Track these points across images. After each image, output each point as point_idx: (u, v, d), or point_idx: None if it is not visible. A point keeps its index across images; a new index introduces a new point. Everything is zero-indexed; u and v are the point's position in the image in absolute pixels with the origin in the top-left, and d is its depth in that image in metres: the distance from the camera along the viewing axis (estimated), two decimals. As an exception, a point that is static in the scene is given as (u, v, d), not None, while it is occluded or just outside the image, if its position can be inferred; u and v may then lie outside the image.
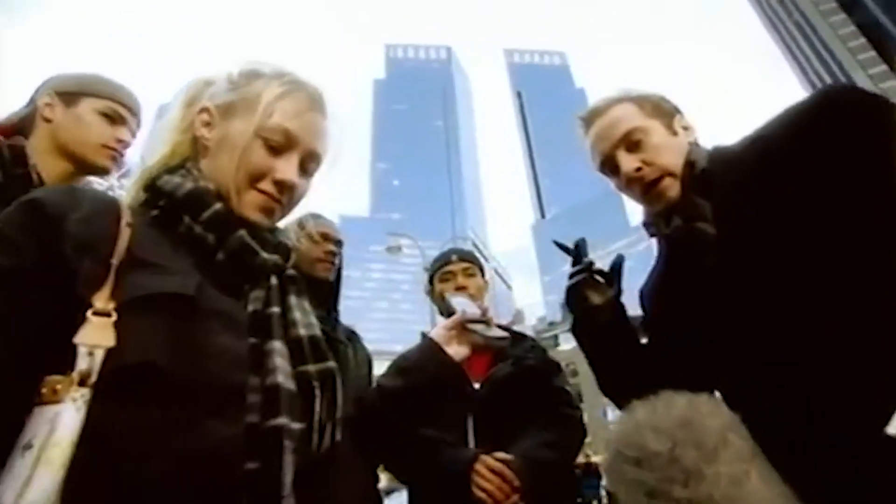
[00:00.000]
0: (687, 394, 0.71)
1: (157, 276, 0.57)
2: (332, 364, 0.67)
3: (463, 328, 0.88)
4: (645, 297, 1.05)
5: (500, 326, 1.05)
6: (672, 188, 0.90)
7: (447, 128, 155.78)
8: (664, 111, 0.97)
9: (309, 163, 0.71)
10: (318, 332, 0.68)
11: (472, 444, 1.32)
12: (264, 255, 0.67)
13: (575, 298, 1.03)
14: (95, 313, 0.52)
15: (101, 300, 0.53)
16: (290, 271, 0.72)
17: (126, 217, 0.60)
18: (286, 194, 0.68)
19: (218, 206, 0.65)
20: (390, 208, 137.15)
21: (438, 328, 0.93)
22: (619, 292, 1.02)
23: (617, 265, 1.04)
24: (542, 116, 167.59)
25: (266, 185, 0.67)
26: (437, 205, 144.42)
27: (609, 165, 0.97)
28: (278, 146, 0.67)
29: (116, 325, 0.52)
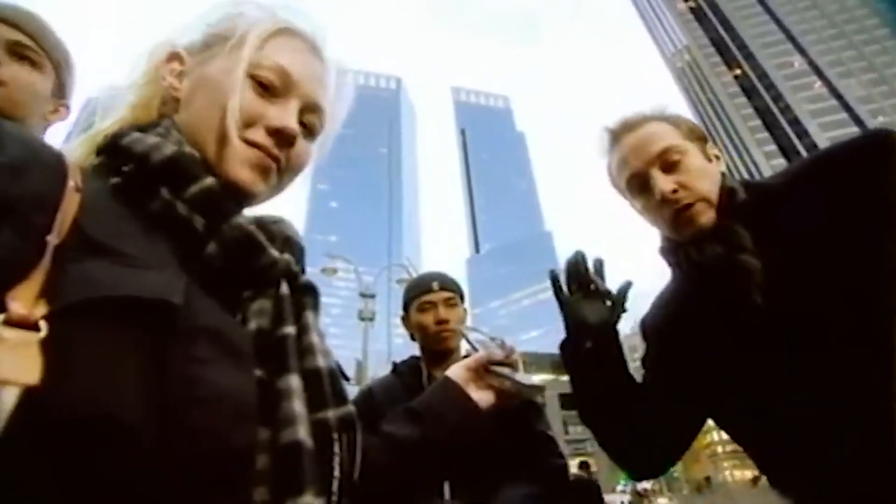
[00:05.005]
0: None
1: (124, 271, 0.38)
2: (352, 409, 0.53)
3: (486, 370, 0.75)
4: (658, 327, 1.00)
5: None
6: (704, 214, 0.86)
7: (391, 156, 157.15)
8: (699, 135, 0.95)
9: (309, 116, 0.57)
10: (334, 362, 0.54)
11: (447, 495, 1.24)
12: (273, 252, 0.51)
13: (570, 314, 1.00)
14: (9, 322, 0.32)
15: (23, 300, 0.33)
16: (305, 278, 0.57)
17: (75, 176, 0.41)
18: (283, 150, 0.53)
19: (210, 180, 0.49)
20: (326, 230, 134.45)
21: (457, 368, 0.76)
22: (618, 318, 0.99)
23: (624, 290, 1.00)
24: (483, 155, 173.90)
25: (257, 135, 0.52)
26: (374, 231, 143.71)
27: (637, 183, 0.92)
28: (272, 88, 0.53)
29: (45, 344, 0.32)
